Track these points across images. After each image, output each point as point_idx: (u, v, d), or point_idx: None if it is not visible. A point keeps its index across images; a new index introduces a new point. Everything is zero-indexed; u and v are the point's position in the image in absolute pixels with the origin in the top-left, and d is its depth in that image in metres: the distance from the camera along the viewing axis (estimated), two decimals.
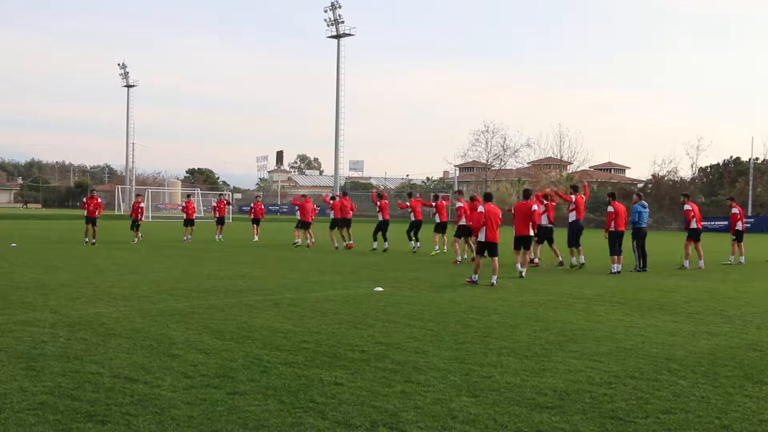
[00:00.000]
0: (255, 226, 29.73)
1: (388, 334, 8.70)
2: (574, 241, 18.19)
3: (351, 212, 24.98)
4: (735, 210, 21.92)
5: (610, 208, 17.68)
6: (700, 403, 5.92)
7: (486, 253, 14.43)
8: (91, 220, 25.19)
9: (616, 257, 17.22)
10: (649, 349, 8.08)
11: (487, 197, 15.22)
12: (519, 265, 15.88)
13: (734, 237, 21.49)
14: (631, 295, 13.03)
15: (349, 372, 6.72)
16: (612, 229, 17.54)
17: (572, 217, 18.47)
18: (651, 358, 7.57)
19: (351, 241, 24.30)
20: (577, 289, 13.69)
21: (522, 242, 16.06)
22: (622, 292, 13.35)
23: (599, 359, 7.47)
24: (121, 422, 5.13)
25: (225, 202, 32.76)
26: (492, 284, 13.94)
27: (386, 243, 23.39)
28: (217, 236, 29.11)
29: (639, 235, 18.04)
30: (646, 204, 18.65)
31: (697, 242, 19.39)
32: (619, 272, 17.01)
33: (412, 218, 22.85)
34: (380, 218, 23.54)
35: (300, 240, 25.70)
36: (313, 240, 25.57)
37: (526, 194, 16.58)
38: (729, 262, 21.13)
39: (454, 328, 9.17)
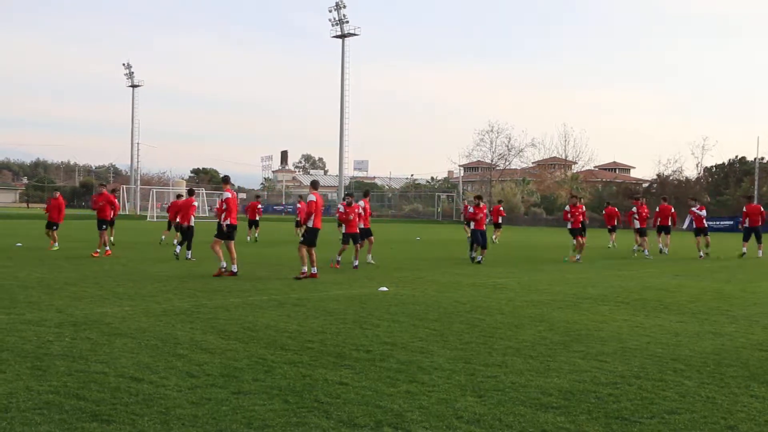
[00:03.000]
0: (253, 227, 29.16)
1: (393, 333, 8.69)
2: (746, 237, 24.01)
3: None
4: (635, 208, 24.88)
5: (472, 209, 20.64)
6: (705, 404, 5.90)
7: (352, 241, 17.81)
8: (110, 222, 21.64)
9: (481, 249, 20.07)
10: (654, 349, 8.06)
11: (314, 184, 15.73)
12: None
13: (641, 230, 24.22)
14: (635, 294, 13.01)
15: (354, 372, 6.72)
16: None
17: (748, 222, 23.93)
18: (656, 358, 7.55)
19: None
20: (581, 289, 13.67)
21: (351, 238, 18.11)
22: (626, 292, 13.32)
23: (604, 359, 7.46)
24: (126, 422, 5.14)
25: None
26: (355, 266, 17.36)
27: (189, 253, 19.46)
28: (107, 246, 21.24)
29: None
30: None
31: (644, 237, 23.94)
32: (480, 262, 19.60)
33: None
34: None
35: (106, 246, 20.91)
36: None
37: (365, 195, 19.75)
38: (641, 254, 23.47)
39: (459, 328, 9.16)
